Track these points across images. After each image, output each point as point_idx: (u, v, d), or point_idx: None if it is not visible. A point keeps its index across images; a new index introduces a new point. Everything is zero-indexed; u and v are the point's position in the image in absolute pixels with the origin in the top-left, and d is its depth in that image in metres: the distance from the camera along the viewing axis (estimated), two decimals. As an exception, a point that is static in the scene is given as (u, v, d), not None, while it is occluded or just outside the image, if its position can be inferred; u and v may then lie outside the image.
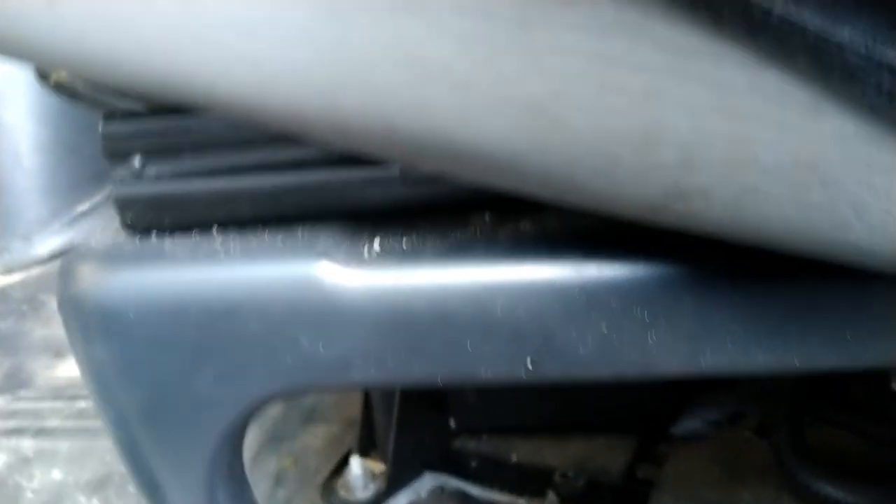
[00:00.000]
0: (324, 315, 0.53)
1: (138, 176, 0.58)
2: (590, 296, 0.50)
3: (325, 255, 0.53)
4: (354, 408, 1.17)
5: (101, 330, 0.56)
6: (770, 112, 0.36)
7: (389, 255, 0.54)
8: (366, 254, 0.54)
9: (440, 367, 0.53)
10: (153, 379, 0.56)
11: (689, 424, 1.14)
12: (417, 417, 1.07)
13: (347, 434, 1.17)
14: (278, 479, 1.11)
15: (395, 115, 0.39)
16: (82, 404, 1.37)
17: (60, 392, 1.45)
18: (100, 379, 0.58)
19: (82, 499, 1.15)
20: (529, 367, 0.52)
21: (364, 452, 1.11)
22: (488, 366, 0.52)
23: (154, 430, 0.58)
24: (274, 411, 1.27)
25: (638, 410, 1.11)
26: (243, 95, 0.40)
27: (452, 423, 1.11)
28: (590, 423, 1.11)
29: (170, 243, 0.57)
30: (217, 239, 0.56)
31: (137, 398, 0.57)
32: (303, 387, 0.55)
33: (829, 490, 0.81)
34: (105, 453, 1.24)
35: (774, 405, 0.94)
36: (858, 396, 1.02)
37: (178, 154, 0.57)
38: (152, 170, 0.57)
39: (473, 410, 1.10)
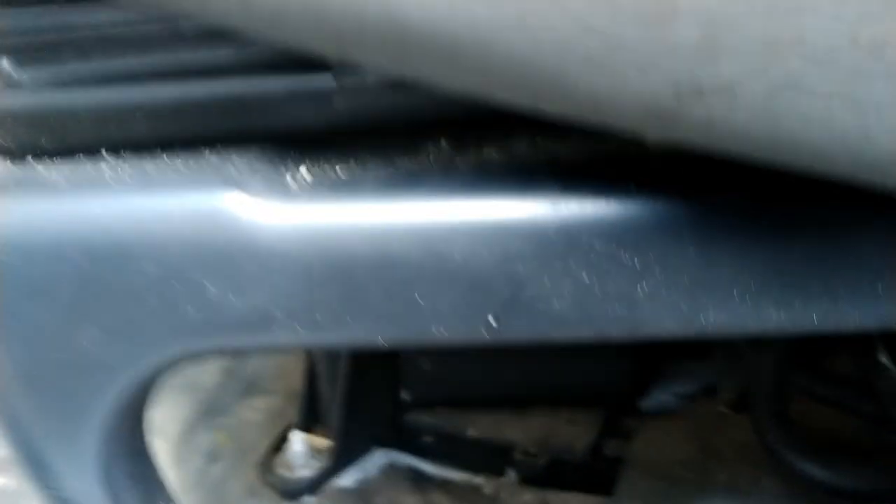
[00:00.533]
0: (236, 258, 0.43)
1: (10, 84, 0.46)
2: (568, 237, 0.40)
3: (238, 183, 0.43)
4: (298, 378, 1.07)
5: (-40, 275, 0.45)
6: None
7: (321, 186, 0.43)
8: (291, 183, 0.44)
9: (383, 325, 0.43)
10: (29, 336, 0.46)
11: (659, 398, 1.07)
12: (366, 388, 0.98)
13: (289, 407, 1.07)
14: (212, 457, 1.01)
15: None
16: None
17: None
18: (-38, 336, 0.46)
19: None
20: (493, 324, 0.42)
21: (307, 427, 1.01)
22: (443, 323, 0.43)
23: (35, 399, 0.48)
24: (209, 381, 1.16)
25: (605, 382, 1.03)
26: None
27: (405, 395, 1.01)
28: (553, 396, 1.03)
29: (47, 168, 0.46)
30: (106, 163, 0.45)
31: (11, 359, 0.46)
32: (212, 347, 0.45)
33: (815, 470, 0.75)
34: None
35: (753, 378, 0.87)
36: (842, 370, 0.95)
37: (58, 57, 0.46)
38: (27, 76, 0.46)
39: (428, 381, 1.01)
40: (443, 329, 0.43)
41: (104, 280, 0.44)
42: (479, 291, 0.42)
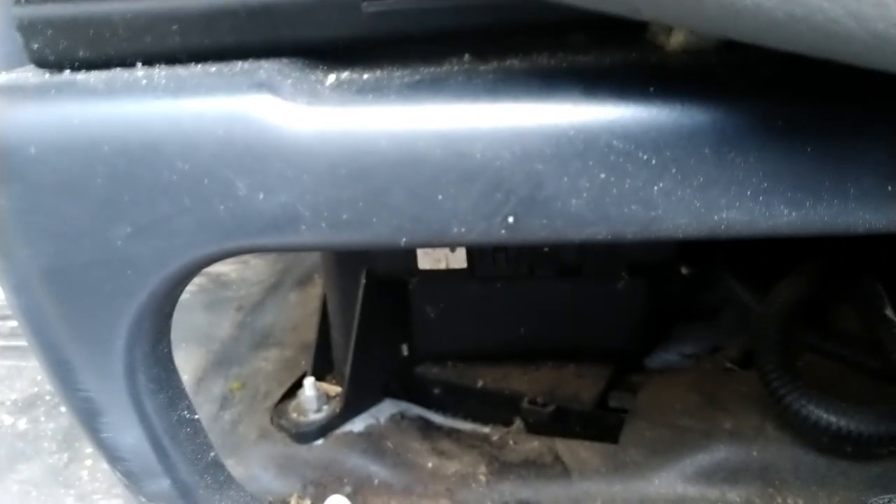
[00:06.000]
0: (265, 157, 0.44)
1: (49, -6, 0.48)
2: (588, 136, 0.42)
3: (268, 87, 0.44)
4: (310, 331, 1.09)
5: (-4, 172, 0.46)
6: None
7: (348, 90, 0.45)
8: (319, 87, 0.45)
9: (405, 224, 0.45)
10: (59, 231, 0.47)
11: (664, 357, 1.09)
12: (378, 340, 0.99)
13: (302, 358, 1.09)
14: (224, 402, 1.02)
15: None
16: (14, 323, 1.26)
17: (-9, 312, 1.34)
18: (-5, 233, 0.48)
19: (8, 419, 1.05)
20: (511, 223, 0.44)
21: (319, 375, 1.03)
22: (463, 222, 0.44)
23: (61, 295, 0.49)
24: (222, 333, 1.18)
25: (611, 341, 1.04)
26: None
27: (414, 348, 1.03)
28: (561, 351, 1.04)
29: (83, 75, 0.47)
30: (140, 70, 0.47)
31: (40, 255, 0.48)
32: (241, 245, 0.46)
33: (819, 413, 0.76)
34: (36, 373, 1.14)
35: (759, 329, 0.87)
36: (846, 326, 0.96)
37: (96, -32, 0.47)
38: (66, -14, 0.47)
39: (437, 335, 1.02)
40: (463, 228, 0.44)
41: (137, 177, 0.45)
42: (498, 190, 0.43)
